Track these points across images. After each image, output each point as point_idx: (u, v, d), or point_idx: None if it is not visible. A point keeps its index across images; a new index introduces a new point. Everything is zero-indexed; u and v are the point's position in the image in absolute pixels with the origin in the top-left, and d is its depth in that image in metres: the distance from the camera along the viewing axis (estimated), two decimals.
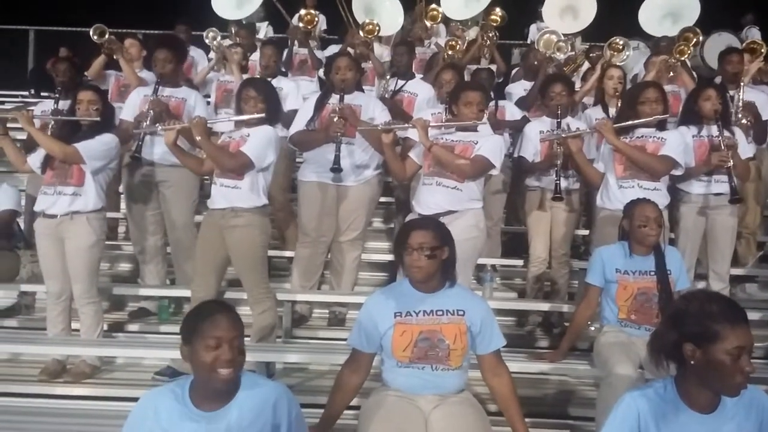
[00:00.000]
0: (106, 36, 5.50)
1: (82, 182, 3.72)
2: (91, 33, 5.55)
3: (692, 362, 1.91)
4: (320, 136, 4.23)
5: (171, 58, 4.48)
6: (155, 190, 4.49)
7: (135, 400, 2.16)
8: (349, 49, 6.17)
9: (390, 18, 7.23)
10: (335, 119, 4.10)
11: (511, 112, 5.22)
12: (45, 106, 5.06)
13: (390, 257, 4.96)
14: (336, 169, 4.12)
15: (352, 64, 4.41)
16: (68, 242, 3.72)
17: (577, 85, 5.69)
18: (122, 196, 4.99)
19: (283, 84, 5.21)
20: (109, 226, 5.42)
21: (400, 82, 5.50)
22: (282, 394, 2.15)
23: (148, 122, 4.19)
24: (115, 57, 5.42)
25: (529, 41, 8.22)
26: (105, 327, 3.99)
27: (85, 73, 5.61)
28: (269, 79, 5.06)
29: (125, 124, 4.43)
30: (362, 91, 4.59)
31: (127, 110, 4.52)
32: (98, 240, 3.78)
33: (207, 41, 6.31)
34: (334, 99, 4.27)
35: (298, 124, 4.34)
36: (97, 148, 3.73)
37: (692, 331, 1.90)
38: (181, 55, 4.68)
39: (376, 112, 4.32)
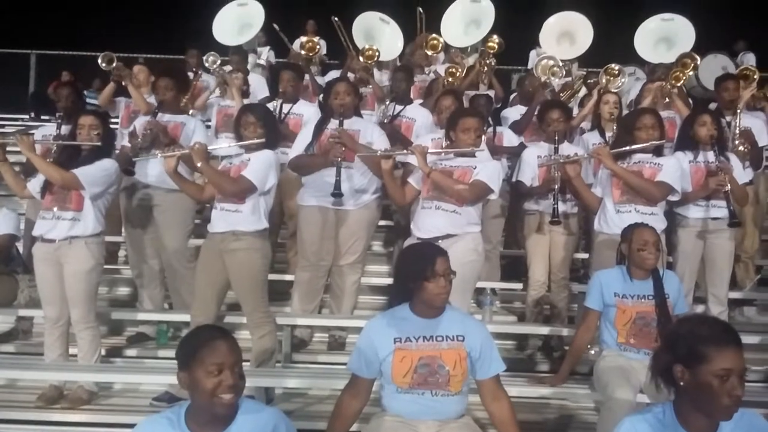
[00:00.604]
0: (114, 63, 5.57)
1: (81, 207, 3.73)
2: (99, 61, 5.62)
3: (682, 384, 1.92)
4: (319, 160, 4.26)
5: (172, 86, 4.55)
6: (152, 213, 4.51)
7: (132, 426, 2.14)
8: (350, 74, 6.25)
9: (389, 43, 7.31)
10: (334, 144, 4.13)
11: (509, 137, 5.27)
12: (46, 130, 5.09)
13: (390, 281, 4.96)
14: (337, 194, 4.14)
15: (350, 89, 4.45)
16: (67, 267, 3.71)
17: (575, 111, 5.75)
18: None
19: (303, 110, 5.22)
20: (109, 251, 5.44)
21: (398, 107, 5.54)
22: (280, 420, 2.14)
23: (140, 140, 4.21)
24: (123, 84, 5.48)
25: (529, 66, 8.33)
26: (103, 352, 3.97)
27: (96, 102, 5.67)
28: (289, 104, 5.11)
29: (125, 149, 4.46)
30: (360, 116, 4.63)
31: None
32: (96, 264, 3.77)
33: (207, 65, 6.37)
34: (333, 124, 4.31)
35: (297, 149, 4.37)
36: (96, 174, 3.74)
37: (681, 353, 1.93)
38: (182, 84, 4.74)
39: (374, 137, 4.35)
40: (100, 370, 3.85)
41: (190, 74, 6.74)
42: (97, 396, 3.82)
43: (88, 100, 7.15)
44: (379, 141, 4.33)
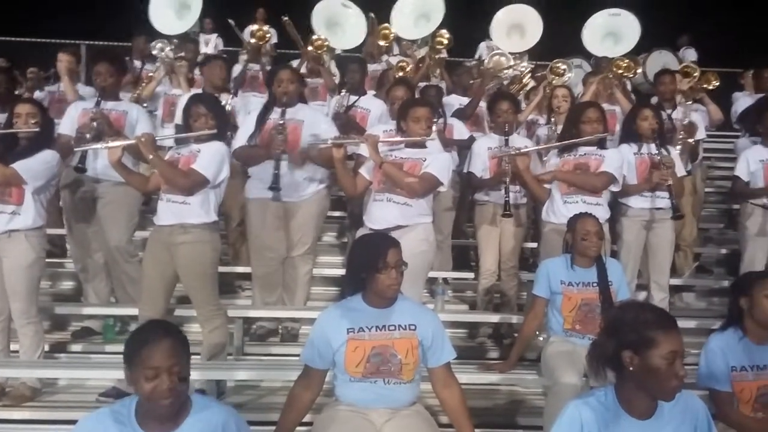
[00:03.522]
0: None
1: (22, 201, 3.60)
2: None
3: (631, 369, 1.99)
4: (262, 152, 4.19)
5: (112, 72, 4.39)
6: (95, 206, 4.39)
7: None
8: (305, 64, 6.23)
9: (355, 29, 7.21)
10: (277, 136, 4.07)
11: (459, 129, 5.33)
12: None
13: (343, 272, 4.97)
14: (275, 188, 4.09)
15: (294, 77, 4.36)
16: (6, 261, 3.60)
17: (522, 105, 5.86)
18: None
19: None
20: (57, 243, 5.29)
21: (353, 98, 5.53)
22: (230, 415, 2.13)
23: (90, 135, 4.07)
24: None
25: (477, 56, 8.43)
26: (46, 348, 3.86)
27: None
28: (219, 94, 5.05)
29: (64, 138, 4.29)
30: (306, 103, 4.57)
31: (65, 124, 4.39)
32: (37, 258, 3.66)
33: (155, 52, 6.21)
34: (277, 113, 4.24)
35: (241, 139, 4.29)
36: (37, 168, 3.63)
37: (630, 339, 2.00)
38: (121, 69, 4.59)
39: (321, 126, 4.31)
40: (44, 366, 3.75)
41: (137, 62, 6.58)
42: (40, 393, 3.72)
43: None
44: (326, 129, 4.28)
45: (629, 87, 6.68)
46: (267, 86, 4.53)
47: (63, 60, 5.36)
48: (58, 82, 5.79)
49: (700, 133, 5.37)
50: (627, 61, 6.06)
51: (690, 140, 5.03)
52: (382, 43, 7.21)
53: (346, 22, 7.17)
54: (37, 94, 5.65)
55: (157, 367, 1.92)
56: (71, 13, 11.21)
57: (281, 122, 4.09)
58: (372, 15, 7.47)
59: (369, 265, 2.53)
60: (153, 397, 1.94)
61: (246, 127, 4.32)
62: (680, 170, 4.47)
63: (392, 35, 7.24)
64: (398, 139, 3.87)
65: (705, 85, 6.00)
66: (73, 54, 5.62)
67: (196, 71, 6.21)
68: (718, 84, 6.11)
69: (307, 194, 4.34)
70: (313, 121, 4.30)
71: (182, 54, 6.24)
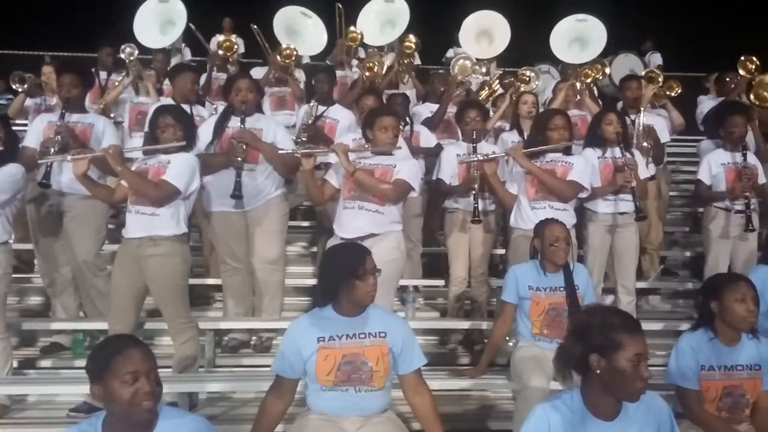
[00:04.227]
0: (26, 82, 5.34)
1: None
2: (11, 83, 5.36)
3: (598, 371, 2.04)
4: (220, 160, 4.20)
5: (77, 83, 4.33)
6: (62, 220, 4.33)
7: None
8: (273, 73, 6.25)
9: (313, 37, 7.27)
10: (236, 144, 4.09)
11: (426, 137, 5.38)
12: None
13: (314, 281, 4.97)
14: (237, 195, 4.11)
15: (252, 86, 4.39)
16: None
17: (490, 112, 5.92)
18: None
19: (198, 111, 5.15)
20: (24, 259, 5.21)
21: (321, 108, 5.55)
22: (201, 425, 2.13)
23: (55, 149, 4.03)
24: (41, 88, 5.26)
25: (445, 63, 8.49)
26: (15, 364, 3.81)
27: (8, 113, 5.44)
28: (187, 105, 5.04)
29: (29, 151, 4.23)
30: (263, 113, 4.58)
31: (30, 137, 4.33)
32: (4, 274, 3.62)
33: (123, 56, 6.15)
34: (234, 122, 4.26)
35: (198, 147, 4.25)
36: (3, 182, 3.59)
37: (597, 343, 2.05)
38: (87, 80, 4.55)
39: (278, 136, 4.33)
40: (12, 382, 3.70)
41: (103, 73, 6.51)
42: (10, 410, 3.67)
43: None
44: (283, 139, 4.33)
45: (595, 91, 6.79)
46: (224, 95, 4.52)
47: (46, 73, 5.32)
48: (42, 94, 5.75)
49: (664, 137, 5.49)
50: (595, 68, 6.16)
51: (645, 144, 5.13)
52: (348, 44, 7.24)
53: (305, 31, 7.26)
54: (28, 103, 5.56)
55: (136, 371, 1.95)
56: (37, 23, 11.07)
57: (242, 130, 4.12)
58: (339, 6, 7.48)
59: (348, 273, 2.53)
60: (136, 401, 1.94)
61: (204, 135, 4.30)
62: (644, 173, 4.56)
63: (359, 38, 7.27)
64: (367, 147, 3.90)
65: (668, 92, 6.13)
66: (52, 66, 5.59)
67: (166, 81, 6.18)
68: (680, 91, 6.25)
69: (266, 201, 4.34)
70: (270, 130, 4.33)
71: (156, 66, 6.23)
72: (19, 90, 5.39)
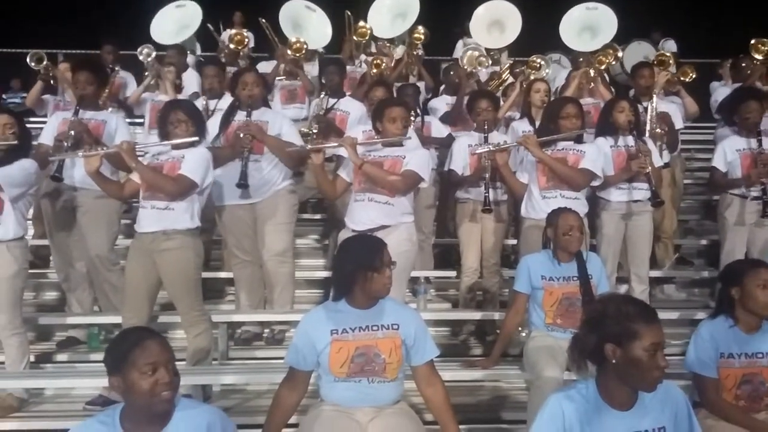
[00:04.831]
0: (44, 62, 5.36)
1: (1, 211, 3.59)
2: (28, 59, 5.41)
3: (613, 361, 2.02)
4: (227, 152, 4.21)
5: (92, 80, 4.38)
6: (76, 216, 4.37)
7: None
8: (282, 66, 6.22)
9: (317, 31, 7.27)
10: (242, 135, 4.11)
11: (437, 127, 5.36)
12: None
13: (326, 274, 4.98)
14: (243, 185, 4.13)
15: (259, 80, 4.41)
16: None
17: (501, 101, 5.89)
18: None
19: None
20: (40, 255, 5.26)
21: (332, 100, 5.54)
22: (216, 416, 2.15)
23: (68, 144, 4.07)
24: (52, 83, 5.29)
25: (455, 56, 8.45)
26: (32, 358, 3.86)
27: (18, 102, 5.49)
28: (215, 100, 5.05)
29: (44, 147, 4.29)
30: (269, 107, 4.60)
31: (46, 134, 4.39)
32: (20, 269, 3.65)
33: (141, 57, 6.19)
34: (240, 115, 4.28)
35: (206, 141, 4.27)
36: (16, 176, 3.61)
37: (612, 332, 2.03)
38: (102, 78, 4.58)
39: (283, 129, 4.34)
40: (30, 376, 3.74)
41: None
42: (27, 403, 3.71)
43: (9, 101, 6.85)
44: (288, 132, 4.34)
45: (607, 78, 6.74)
46: (230, 89, 4.52)
47: (62, 69, 5.36)
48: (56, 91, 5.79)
49: (678, 124, 5.42)
50: (607, 53, 6.10)
51: (659, 130, 5.07)
52: (356, 39, 7.22)
53: (309, 25, 7.25)
54: (47, 98, 5.60)
55: (155, 362, 1.98)
56: (46, 22, 11.13)
57: (248, 122, 4.15)
58: (348, 13, 7.49)
59: (365, 265, 2.53)
60: (155, 391, 1.97)
61: (210, 129, 4.30)
62: (658, 160, 4.51)
63: (368, 33, 7.26)
64: (376, 140, 3.89)
65: (682, 78, 6.06)
66: (70, 63, 5.62)
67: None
68: (695, 76, 6.17)
69: (273, 192, 4.35)
70: (276, 123, 4.35)
71: (169, 60, 6.24)
72: (34, 67, 5.40)
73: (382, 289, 2.57)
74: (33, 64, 5.38)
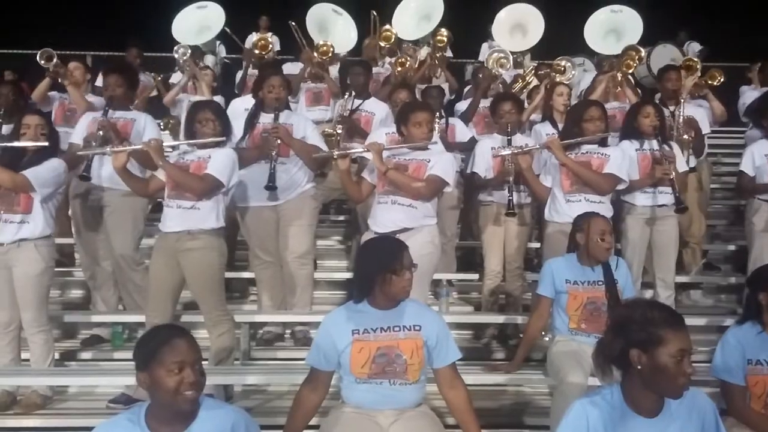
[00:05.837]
0: (54, 60, 5.43)
1: (30, 209, 3.64)
2: (38, 57, 5.48)
3: (639, 367, 1.99)
4: (252, 153, 4.25)
5: (121, 82, 4.46)
6: (102, 215, 4.43)
7: (89, 429, 2.13)
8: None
9: (343, 35, 7.30)
10: (269, 138, 4.14)
11: (461, 131, 5.33)
12: None
13: (348, 275, 4.98)
14: (271, 186, 4.16)
15: (285, 83, 4.45)
16: (16, 270, 3.62)
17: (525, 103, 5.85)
18: None
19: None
20: (66, 252, 5.33)
21: (357, 102, 5.54)
22: (240, 417, 2.16)
23: (97, 143, 4.13)
24: (60, 81, 5.36)
25: (481, 58, 8.42)
26: (56, 356, 3.90)
27: (31, 97, 5.55)
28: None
29: (75, 147, 4.37)
30: (290, 109, 4.64)
31: (77, 134, 4.46)
32: (47, 267, 3.69)
33: (176, 56, 6.24)
34: (265, 117, 4.31)
35: (231, 143, 4.33)
36: (46, 176, 3.66)
37: (638, 338, 1.99)
38: (132, 80, 4.65)
39: (307, 131, 4.37)
40: (54, 373, 3.78)
41: None
42: (51, 400, 3.75)
43: None
44: (312, 135, 4.37)
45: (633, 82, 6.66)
46: (254, 91, 4.56)
47: (78, 69, 5.43)
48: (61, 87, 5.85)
49: (704, 128, 5.34)
50: (630, 56, 6.03)
51: (685, 137, 5.00)
52: (382, 44, 7.23)
53: (333, 28, 7.30)
54: (54, 95, 5.70)
55: (182, 361, 1.99)
56: (75, 24, 11.31)
57: (276, 125, 4.17)
58: (374, 14, 7.51)
59: (384, 268, 2.53)
60: (181, 390, 1.98)
61: (235, 130, 4.33)
62: (682, 166, 4.45)
63: (393, 37, 7.27)
64: (402, 146, 3.88)
65: (710, 81, 5.97)
66: (82, 63, 5.69)
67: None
68: (722, 80, 6.08)
69: (298, 194, 4.38)
70: (300, 126, 4.38)
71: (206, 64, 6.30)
72: (44, 65, 5.49)
73: (401, 292, 2.57)
74: (42, 61, 5.45)
